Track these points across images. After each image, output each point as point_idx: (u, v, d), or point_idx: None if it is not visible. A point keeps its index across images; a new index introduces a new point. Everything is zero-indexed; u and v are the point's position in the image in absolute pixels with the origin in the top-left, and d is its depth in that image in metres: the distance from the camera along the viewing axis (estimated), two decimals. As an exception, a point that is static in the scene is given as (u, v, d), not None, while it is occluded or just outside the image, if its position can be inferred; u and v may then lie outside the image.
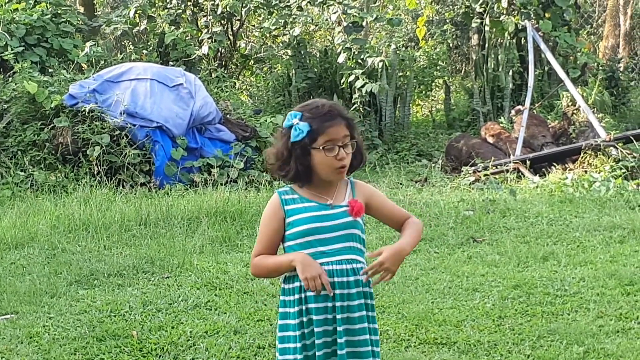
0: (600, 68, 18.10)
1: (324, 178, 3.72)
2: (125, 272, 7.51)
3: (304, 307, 3.70)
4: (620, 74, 18.53)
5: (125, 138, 12.07)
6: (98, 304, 6.63)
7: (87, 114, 12.23)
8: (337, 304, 3.67)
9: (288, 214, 3.75)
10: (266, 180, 11.96)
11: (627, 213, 9.35)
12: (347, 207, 3.73)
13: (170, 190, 11.44)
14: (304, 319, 3.71)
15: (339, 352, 3.66)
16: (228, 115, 13.61)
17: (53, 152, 12.36)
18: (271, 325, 6.08)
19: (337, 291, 3.67)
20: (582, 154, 12.10)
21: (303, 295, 3.69)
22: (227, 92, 15.61)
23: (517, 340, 5.79)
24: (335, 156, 3.66)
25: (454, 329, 6.03)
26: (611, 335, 5.81)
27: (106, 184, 11.34)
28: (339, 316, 3.67)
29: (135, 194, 11.09)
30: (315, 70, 17.21)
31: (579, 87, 15.69)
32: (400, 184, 12.29)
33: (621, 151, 11.83)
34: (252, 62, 19.38)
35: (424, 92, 19.24)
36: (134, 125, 12.19)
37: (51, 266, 7.78)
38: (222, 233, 8.90)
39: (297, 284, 3.71)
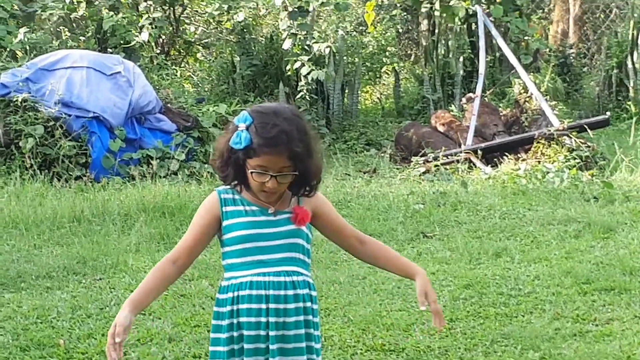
0: (552, 54, 17.99)
1: None
2: (55, 274, 7.14)
3: (235, 321, 3.41)
4: (572, 60, 18.43)
5: (60, 129, 11.66)
6: (24, 309, 6.27)
7: (19, 104, 11.79)
8: (272, 319, 3.37)
9: (225, 216, 3.45)
10: (208, 172, 11.62)
11: (582, 205, 9.18)
12: (291, 214, 3.44)
13: (107, 184, 11.07)
14: (235, 334, 3.42)
15: None
16: (169, 105, 13.26)
17: (-17, 144, 11.92)
18: (208, 331, 5.71)
19: (272, 306, 3.38)
20: (535, 144, 11.92)
21: (235, 307, 3.41)
22: (168, 80, 15.25)
23: (470, 346, 5.55)
24: (264, 181, 3.36)
25: (403, 333, 5.77)
26: (568, 339, 5.59)
27: (40, 177, 10.93)
28: (272, 333, 3.38)
29: (70, 188, 10.71)
30: (261, 57, 16.88)
31: (531, 73, 15.54)
32: (348, 174, 12.04)
33: (575, 140, 11.67)
34: (195, 48, 18.99)
35: (372, 79, 19.00)
36: (70, 115, 11.79)
37: (-25, 268, 7.39)
38: (159, 230, 8.56)
39: (230, 294, 3.42)
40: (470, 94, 14.28)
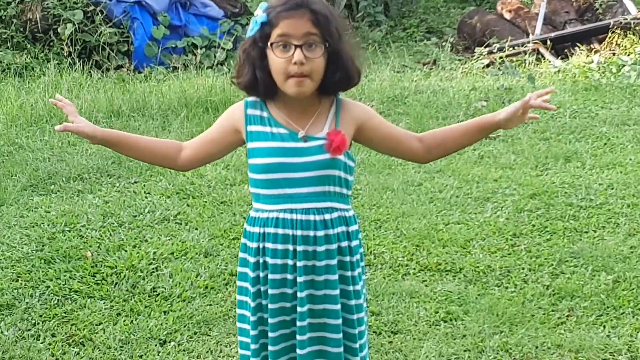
0: None
1: (283, 90, 2.98)
2: (88, 176, 6.82)
3: (261, 260, 3.05)
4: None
5: (100, 14, 11.29)
6: (52, 215, 5.97)
7: (57, -13, 11.42)
8: (299, 263, 2.99)
9: (250, 137, 3.04)
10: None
11: (661, 104, 8.63)
12: (325, 140, 2.97)
13: (150, 74, 10.72)
14: (261, 274, 3.06)
15: (298, 323, 3.03)
16: (216, -11, 12.77)
17: (21, 29, 11.56)
18: (248, 245, 5.44)
19: (300, 248, 2.98)
20: (609, 34, 11.25)
21: (262, 245, 3.03)
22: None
23: (535, 266, 5.16)
24: (289, 57, 2.87)
25: (461, 250, 5.39)
26: (645, 260, 5.17)
27: (78, 66, 10.58)
28: (300, 279, 2.99)
29: (109, 78, 10.36)
30: None
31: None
32: (405, 66, 11.54)
33: (655, 30, 11.01)
34: None
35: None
36: (110, 0, 11.39)
37: (5, 167, 7.08)
38: (202, 127, 8.17)
39: (257, 228, 3.04)
40: (540, -22, 13.57)
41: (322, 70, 2.91)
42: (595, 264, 5.12)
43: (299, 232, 2.98)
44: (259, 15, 2.92)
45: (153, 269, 5.17)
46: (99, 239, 5.59)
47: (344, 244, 3.04)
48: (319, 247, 2.99)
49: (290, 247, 2.99)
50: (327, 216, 3.00)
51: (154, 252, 5.36)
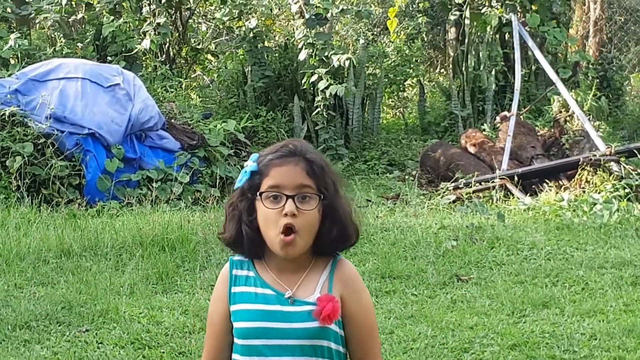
0: (591, 67, 17.28)
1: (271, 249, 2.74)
2: (35, 324, 6.50)
3: None
4: (613, 74, 17.70)
5: (51, 147, 11.04)
6: (-4, 370, 5.65)
7: (7, 119, 11.18)
8: None
9: (233, 299, 2.81)
10: (215, 197, 10.99)
11: (637, 245, 8.52)
12: (314, 306, 2.72)
13: (103, 208, 10.47)
14: None
15: None
16: (173, 120, 12.63)
17: (-34, 162, 11.32)
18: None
19: None
20: (579, 170, 11.20)
21: None
22: (172, 92, 14.62)
23: None
24: (280, 209, 2.67)
25: (442, 410, 5.12)
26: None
27: (27, 201, 10.31)
28: None
29: (60, 213, 10.09)
30: (274, 67, 16.19)
31: (572, 90, 14.82)
32: (370, 200, 11.39)
33: (624, 167, 10.95)
34: (203, 56, 18.34)
35: (395, 92, 18.29)
36: (62, 132, 11.17)
37: (-56, 313, 6.75)
38: (158, 268, 7.93)
39: None
40: (505, 113, 13.59)
41: (315, 225, 2.71)
42: None
43: None
44: (249, 165, 2.74)
45: None
46: (46, 397, 5.26)
47: None
48: None
49: None
50: None
51: (107, 413, 5.04)
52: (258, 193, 2.70)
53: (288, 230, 2.66)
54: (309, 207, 2.68)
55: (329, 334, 2.73)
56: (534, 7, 16.01)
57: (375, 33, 20.77)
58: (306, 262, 2.79)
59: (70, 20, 16.40)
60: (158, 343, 6.14)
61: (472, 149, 13.28)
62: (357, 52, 15.60)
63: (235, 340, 2.77)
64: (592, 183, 10.90)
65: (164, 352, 5.96)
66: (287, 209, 2.65)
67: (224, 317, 2.82)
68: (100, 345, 6.10)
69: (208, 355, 2.87)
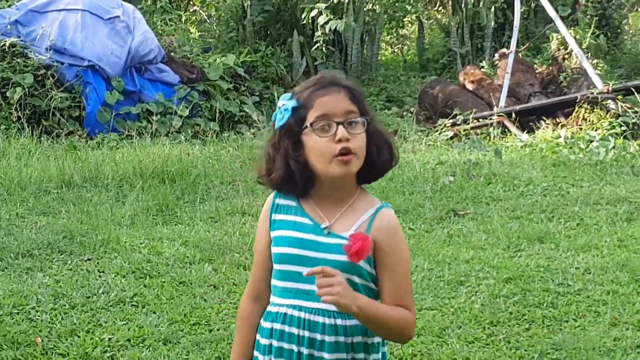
0: (590, 5, 17.20)
1: (324, 176, 2.72)
2: (37, 252, 6.54)
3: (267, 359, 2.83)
4: (612, 12, 17.63)
5: (51, 78, 11.06)
6: (-1, 296, 5.70)
7: (7, 49, 11.17)
8: None
9: (273, 225, 2.83)
10: (214, 130, 11.00)
11: (632, 182, 8.57)
12: (346, 241, 2.69)
13: (102, 140, 10.50)
14: None
15: None
16: (172, 54, 12.63)
17: (-33, 93, 11.32)
18: (210, 332, 5.21)
19: (305, 351, 2.73)
20: (576, 108, 11.23)
21: (269, 342, 2.81)
22: (172, 25, 14.57)
23: (515, 358, 4.97)
24: (332, 137, 2.67)
25: (437, 340, 5.19)
26: (630, 353, 5.00)
27: (27, 132, 10.33)
28: None
29: (60, 144, 10.11)
30: (273, 1, 16.11)
31: (571, 28, 14.78)
32: (368, 136, 11.41)
33: (621, 105, 10.97)
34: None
35: (394, 29, 18.23)
36: (62, 63, 11.20)
37: (-52, 241, 6.81)
38: (158, 200, 7.98)
39: (268, 324, 2.81)
40: (504, 50, 13.58)
41: (364, 148, 2.71)
42: (579, 357, 4.94)
43: (306, 333, 2.73)
44: (287, 102, 2.74)
45: (108, 357, 4.91)
46: (49, 322, 5.32)
47: (360, 356, 2.77)
48: (326, 354, 2.72)
49: (295, 348, 2.75)
50: (340, 322, 2.72)
51: (109, 339, 5.09)
52: (307, 125, 2.71)
53: (346, 151, 2.67)
54: (358, 130, 2.69)
55: (360, 271, 2.74)
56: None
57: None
58: (351, 192, 2.78)
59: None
60: (159, 272, 6.19)
61: (470, 86, 13.29)
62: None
63: (274, 265, 2.83)
64: (589, 121, 10.94)
65: (164, 282, 6.01)
66: (340, 134, 2.65)
67: (265, 245, 2.86)
68: (102, 274, 6.15)
69: (252, 281, 2.93)
